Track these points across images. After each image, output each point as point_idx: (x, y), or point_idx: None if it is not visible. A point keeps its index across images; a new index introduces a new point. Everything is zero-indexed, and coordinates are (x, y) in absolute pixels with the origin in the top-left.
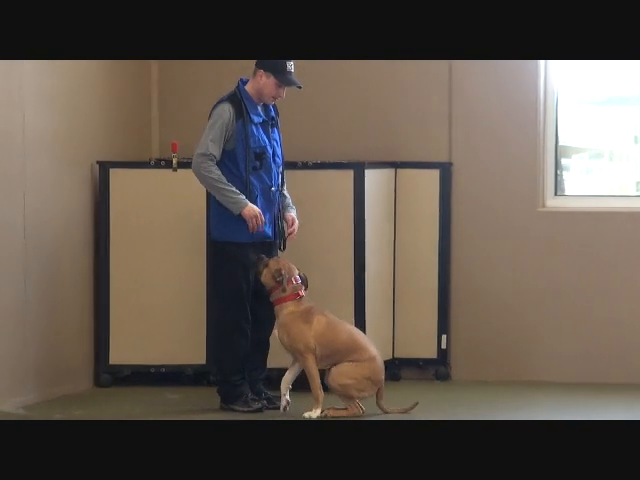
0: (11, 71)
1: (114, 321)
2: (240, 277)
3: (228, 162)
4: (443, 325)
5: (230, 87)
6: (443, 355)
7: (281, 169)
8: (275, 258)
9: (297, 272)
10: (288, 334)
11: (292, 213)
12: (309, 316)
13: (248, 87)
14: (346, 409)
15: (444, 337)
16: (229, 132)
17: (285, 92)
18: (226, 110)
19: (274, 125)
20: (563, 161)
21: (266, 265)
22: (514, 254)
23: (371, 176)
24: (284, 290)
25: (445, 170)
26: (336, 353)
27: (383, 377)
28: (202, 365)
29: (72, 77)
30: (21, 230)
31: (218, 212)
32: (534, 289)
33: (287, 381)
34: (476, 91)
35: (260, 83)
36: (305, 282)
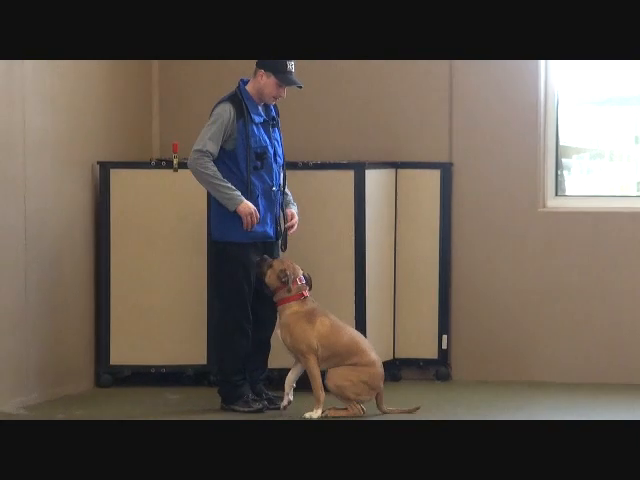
0: (11, 71)
1: (115, 321)
2: (241, 277)
3: (229, 162)
4: (444, 325)
5: (230, 87)
6: (444, 355)
7: (282, 169)
8: (279, 258)
9: (301, 272)
10: (291, 334)
11: (292, 209)
12: (312, 317)
13: (249, 87)
14: (346, 409)
15: (445, 337)
16: (228, 132)
17: (286, 92)
18: (227, 110)
19: (275, 125)
20: (564, 161)
21: (270, 266)
22: (514, 254)
23: (372, 176)
24: (289, 290)
25: (446, 170)
26: (337, 355)
27: (382, 383)
28: (203, 365)
29: (72, 77)
30: (22, 230)
31: (219, 212)
32: (534, 289)
33: (290, 381)
34: (476, 91)
35: (261, 83)
36: (309, 282)
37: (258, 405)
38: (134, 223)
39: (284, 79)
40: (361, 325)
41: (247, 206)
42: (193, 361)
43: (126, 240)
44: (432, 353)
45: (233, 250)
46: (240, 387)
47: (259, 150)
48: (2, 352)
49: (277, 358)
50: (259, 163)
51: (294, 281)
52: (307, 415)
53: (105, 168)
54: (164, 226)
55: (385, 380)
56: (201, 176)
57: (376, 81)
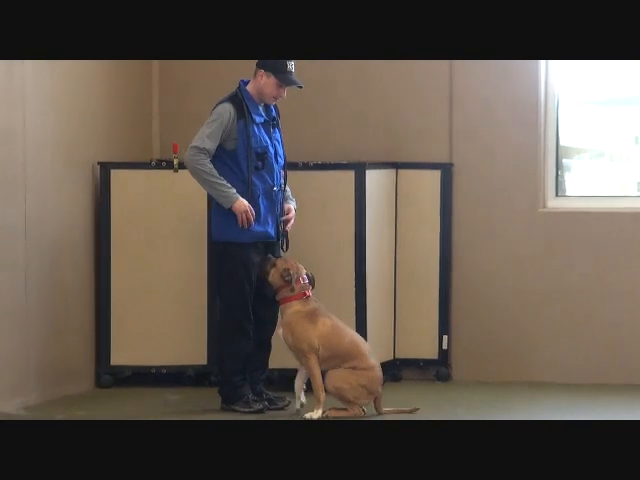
0: (12, 71)
1: (115, 322)
2: (242, 277)
3: (230, 162)
4: (444, 326)
5: (231, 88)
6: (444, 356)
7: (283, 169)
8: (283, 258)
9: (304, 272)
10: (292, 333)
11: (290, 204)
12: (314, 317)
13: (249, 87)
14: (347, 410)
15: (445, 338)
16: (227, 132)
17: (286, 92)
18: (227, 110)
19: (275, 125)
20: (564, 162)
21: (274, 265)
22: (515, 255)
23: (372, 177)
24: (292, 290)
25: (446, 171)
26: (336, 357)
27: (380, 388)
28: (203, 366)
29: (73, 77)
30: (22, 231)
31: (219, 212)
32: (535, 289)
33: (299, 384)
34: (476, 91)
35: (261, 83)
36: (312, 282)
37: (258, 405)
38: (134, 223)
39: (284, 79)
40: (361, 325)
41: (242, 204)
42: (193, 361)
43: (126, 240)
44: (432, 353)
45: (234, 250)
46: (240, 387)
47: (260, 150)
48: (2, 352)
49: (277, 358)
50: (260, 163)
51: (297, 280)
52: (307, 415)
53: (105, 168)
54: (164, 226)
55: (385, 380)
56: (197, 173)
57: (376, 81)
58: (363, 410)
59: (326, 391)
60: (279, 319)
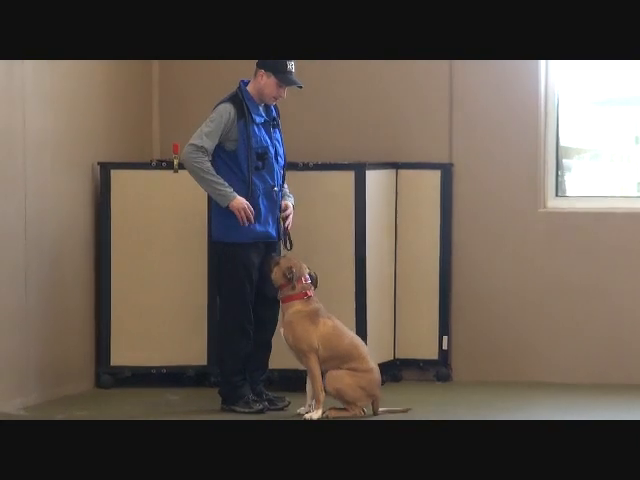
0: (11, 71)
1: (115, 322)
2: (242, 277)
3: (230, 162)
4: (444, 326)
5: (231, 88)
6: (444, 356)
7: (283, 169)
8: (287, 256)
9: (308, 271)
10: (293, 333)
11: (288, 201)
12: (315, 317)
13: (249, 88)
14: (346, 410)
15: (445, 338)
16: (226, 132)
17: (286, 92)
18: (227, 110)
19: (275, 125)
20: (564, 162)
21: (277, 263)
22: (515, 255)
23: (372, 177)
24: (293, 287)
25: (446, 171)
26: (336, 358)
27: (378, 391)
28: (203, 366)
29: (72, 77)
30: (22, 231)
31: (219, 213)
32: (535, 290)
33: (310, 389)
34: (476, 91)
35: (261, 83)
36: (315, 281)
37: (258, 406)
38: (134, 224)
39: (284, 79)
40: (361, 326)
41: (239, 202)
42: (193, 362)
43: (126, 240)
44: (432, 354)
45: (234, 250)
46: (240, 388)
47: (260, 150)
48: (2, 352)
49: (277, 359)
50: (260, 163)
51: (299, 279)
52: (307, 416)
53: (105, 169)
54: (164, 227)
55: (386, 381)
56: (194, 170)
57: (376, 81)
58: (363, 410)
59: (326, 392)
60: (280, 318)
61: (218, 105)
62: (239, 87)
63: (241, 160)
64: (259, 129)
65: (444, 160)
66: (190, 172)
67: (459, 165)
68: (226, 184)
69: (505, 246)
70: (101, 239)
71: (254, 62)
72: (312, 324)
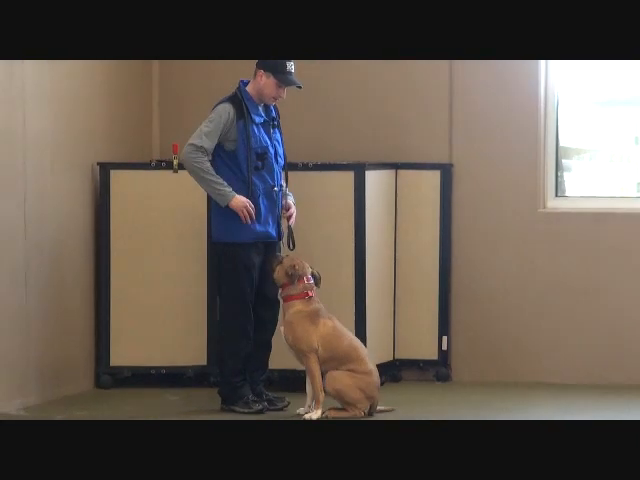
0: (11, 71)
1: (115, 322)
2: (242, 278)
3: (230, 163)
4: (444, 326)
5: (231, 88)
6: (444, 356)
7: (284, 169)
8: (290, 256)
9: (310, 271)
10: (293, 333)
11: (289, 200)
12: (316, 318)
13: (249, 88)
14: (346, 410)
15: (445, 338)
16: (225, 132)
17: (285, 93)
18: (227, 110)
19: (275, 126)
20: (564, 162)
21: (280, 262)
22: (515, 255)
23: (372, 177)
24: (293, 282)
25: (446, 171)
26: (335, 359)
27: (377, 393)
28: (203, 366)
29: (72, 77)
30: (21, 231)
31: (219, 213)
32: (535, 290)
33: (310, 389)
34: (476, 92)
35: (260, 83)
36: (317, 281)
37: (258, 406)
38: (134, 224)
39: (283, 79)
40: (361, 326)
41: (239, 200)
42: (193, 362)
43: (126, 241)
44: (432, 354)
45: (234, 251)
46: (240, 388)
47: (260, 150)
48: (2, 352)
49: (277, 359)
50: (260, 163)
51: (300, 279)
52: (307, 416)
53: (105, 169)
54: (164, 227)
55: (385, 381)
56: (194, 170)
57: (376, 81)
58: (363, 412)
59: (325, 392)
60: (281, 318)
61: (217, 105)
62: (238, 87)
63: (241, 160)
64: (258, 129)
65: (444, 160)
66: (190, 172)
67: (459, 165)
68: (225, 184)
69: (505, 246)
70: (101, 239)
71: (254, 62)
72: (312, 324)
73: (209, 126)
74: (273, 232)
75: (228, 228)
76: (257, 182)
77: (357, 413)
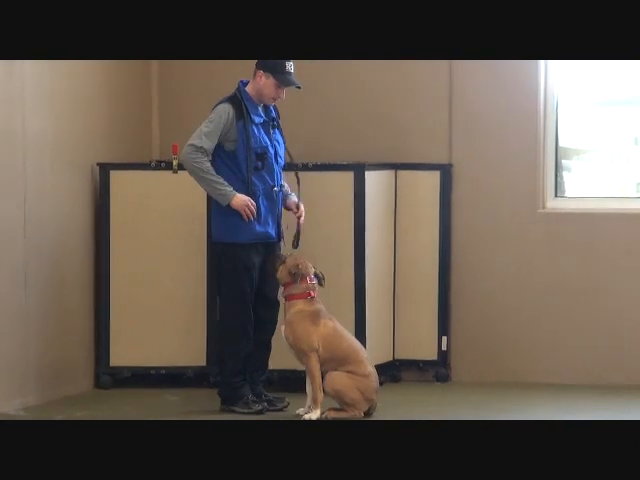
0: (11, 71)
1: (114, 322)
2: (242, 278)
3: (230, 163)
4: (443, 327)
5: (230, 88)
6: (443, 357)
7: (283, 169)
8: (293, 255)
9: (313, 271)
10: (294, 332)
11: (294, 199)
12: (317, 318)
13: (248, 88)
14: (345, 410)
15: (444, 339)
16: (225, 132)
17: (285, 93)
18: (226, 111)
19: (275, 126)
20: (563, 162)
21: (283, 262)
22: (514, 255)
23: (371, 177)
24: (296, 282)
25: (445, 171)
26: (334, 360)
27: (375, 396)
28: (202, 367)
29: (72, 77)
30: (21, 231)
31: (219, 213)
32: (534, 291)
33: (310, 390)
34: (476, 92)
35: (260, 84)
36: (321, 280)
37: (258, 406)
38: (134, 224)
39: (283, 80)
40: (361, 326)
41: (240, 199)
42: (193, 362)
43: (126, 241)
44: (432, 354)
45: (234, 251)
46: (240, 388)
47: (259, 150)
48: (2, 353)
49: (277, 359)
50: (260, 163)
51: (303, 279)
52: (306, 416)
53: (105, 169)
54: (164, 227)
55: (385, 381)
56: (194, 170)
57: (376, 81)
58: (362, 412)
59: (325, 392)
60: (281, 317)
61: (217, 105)
62: (238, 87)
63: (240, 160)
64: (258, 129)
65: (443, 161)
66: (190, 172)
67: (458, 166)
68: (226, 183)
69: (504, 247)
70: (100, 240)
71: (253, 62)
72: (313, 324)
73: (209, 126)
74: (273, 232)
75: (228, 228)
76: (257, 182)
77: (356, 413)
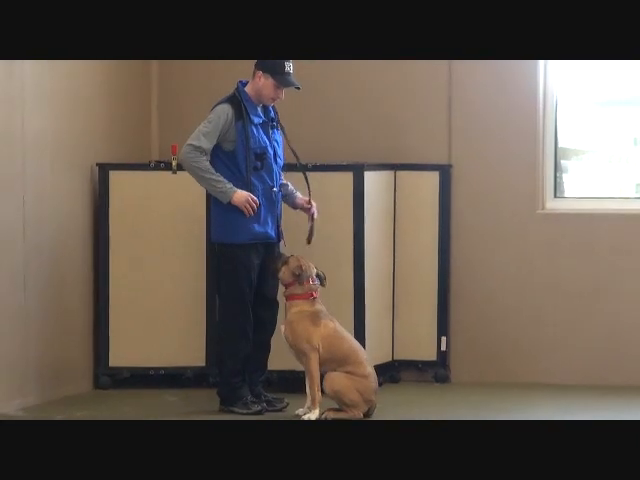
0: (11, 71)
1: (114, 323)
2: (242, 278)
3: (229, 163)
4: (442, 327)
5: (230, 89)
6: (442, 357)
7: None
8: (295, 255)
9: (315, 271)
10: (294, 332)
11: (301, 197)
12: (317, 319)
13: (247, 88)
14: (344, 411)
15: (443, 339)
16: (224, 132)
17: (284, 94)
18: (225, 111)
19: (274, 126)
20: (563, 163)
21: (285, 262)
22: (514, 256)
23: (371, 178)
24: (301, 283)
25: (445, 172)
26: (334, 360)
27: (374, 397)
28: (202, 367)
29: (72, 77)
30: (21, 232)
31: (218, 213)
32: (534, 291)
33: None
34: (476, 92)
35: (259, 84)
36: (323, 280)
37: (257, 407)
38: (133, 225)
39: (282, 80)
40: (360, 327)
41: (241, 195)
42: (192, 362)
43: (125, 241)
44: (431, 355)
45: (233, 251)
46: (239, 389)
47: (259, 151)
48: (1, 353)
49: (277, 360)
50: (259, 164)
51: (307, 279)
52: (305, 416)
53: (104, 170)
54: (163, 228)
55: (384, 382)
56: (193, 170)
57: (375, 82)
58: (361, 412)
59: (324, 393)
60: (281, 317)
61: (216, 106)
62: (237, 88)
63: (239, 160)
64: (257, 130)
65: (443, 161)
66: (189, 172)
67: (458, 166)
68: (225, 181)
69: (504, 247)
70: (100, 240)
71: (253, 63)
72: (313, 325)
73: (208, 127)
74: (272, 233)
75: (227, 229)
76: (256, 182)
77: (355, 414)
